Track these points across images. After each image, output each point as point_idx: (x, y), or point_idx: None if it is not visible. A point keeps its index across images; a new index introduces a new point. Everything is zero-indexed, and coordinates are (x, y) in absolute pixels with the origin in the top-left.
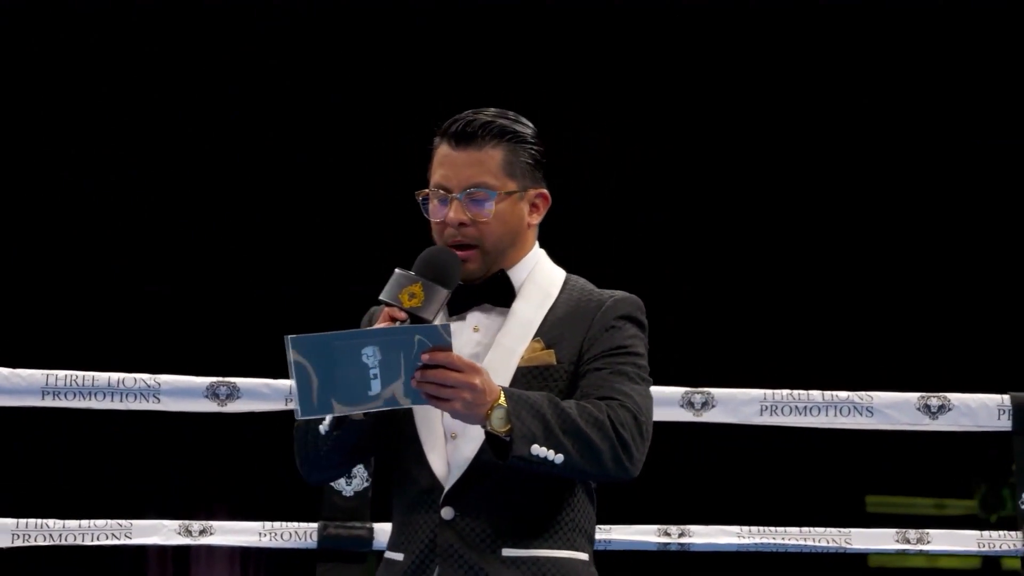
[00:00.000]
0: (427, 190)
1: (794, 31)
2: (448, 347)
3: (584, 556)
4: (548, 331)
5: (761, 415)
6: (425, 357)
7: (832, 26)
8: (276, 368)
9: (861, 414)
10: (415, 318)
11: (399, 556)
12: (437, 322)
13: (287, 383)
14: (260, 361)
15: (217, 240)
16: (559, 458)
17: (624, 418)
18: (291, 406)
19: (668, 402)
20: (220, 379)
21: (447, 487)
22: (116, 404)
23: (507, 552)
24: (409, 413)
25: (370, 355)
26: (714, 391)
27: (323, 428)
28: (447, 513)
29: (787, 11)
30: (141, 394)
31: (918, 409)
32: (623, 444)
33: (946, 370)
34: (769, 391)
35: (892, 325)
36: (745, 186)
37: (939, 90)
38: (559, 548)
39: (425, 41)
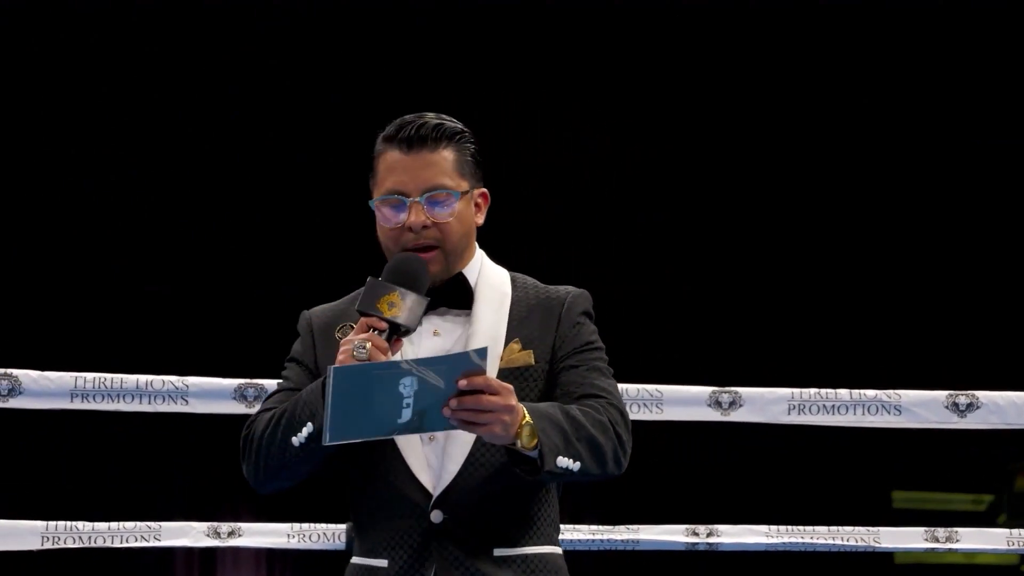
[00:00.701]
0: (377, 199)
1: (794, 31)
2: (483, 371)
3: (559, 550)
4: (517, 331)
5: (789, 414)
6: (462, 383)
7: (832, 26)
8: None
9: (889, 412)
10: (395, 327)
11: (381, 562)
12: (419, 329)
13: None
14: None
15: (217, 240)
16: (576, 466)
17: (616, 417)
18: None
19: (695, 402)
20: (248, 381)
21: (436, 492)
22: (144, 407)
23: (498, 552)
24: None
25: (407, 385)
26: (741, 391)
27: (298, 440)
28: (436, 517)
29: (787, 11)
30: (169, 396)
31: (946, 407)
32: (621, 443)
33: (975, 368)
34: (797, 390)
35: (920, 323)
36: (756, 185)
37: (948, 84)
38: (542, 544)
39: (425, 41)
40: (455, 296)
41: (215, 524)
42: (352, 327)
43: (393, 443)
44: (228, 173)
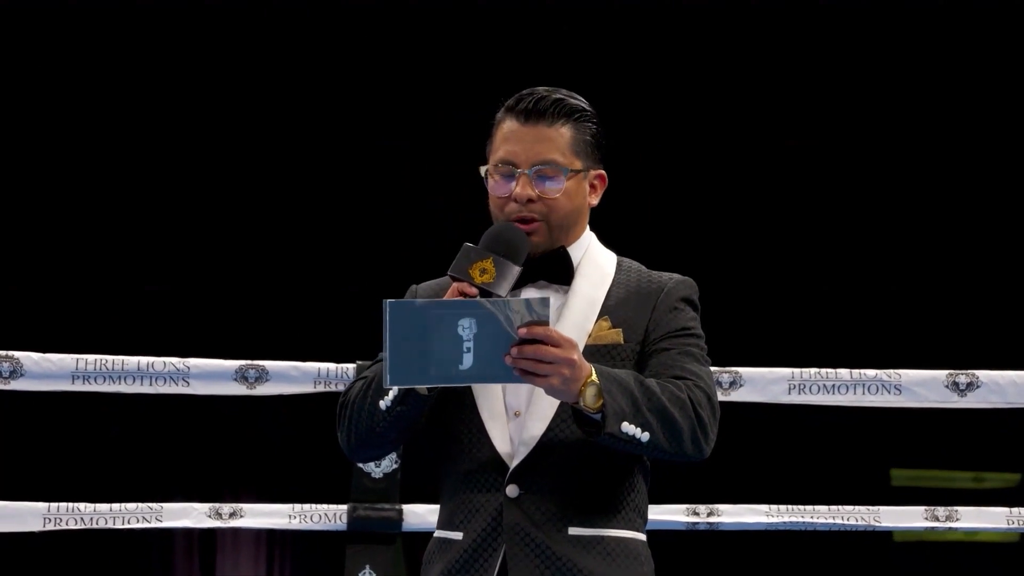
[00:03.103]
0: (490, 165)
1: (794, 30)
2: (546, 321)
3: (643, 537)
4: (613, 311)
5: (789, 394)
6: (523, 331)
7: (832, 26)
8: (304, 351)
9: (889, 392)
10: (486, 294)
11: (456, 535)
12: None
13: (316, 366)
14: (288, 344)
15: (217, 240)
16: (645, 436)
17: (701, 398)
18: (320, 389)
19: None
20: (249, 362)
21: (513, 464)
22: (146, 388)
23: (573, 531)
24: (468, 389)
25: (466, 327)
26: (742, 370)
27: (384, 403)
28: (512, 491)
29: (787, 11)
30: (170, 378)
31: (946, 387)
32: (701, 424)
33: (975, 347)
34: (797, 370)
35: (920, 303)
36: (756, 166)
37: (944, 74)
38: (622, 528)
39: (425, 41)
40: (555, 270)
41: (216, 505)
42: None
43: (479, 415)
44: (228, 173)
